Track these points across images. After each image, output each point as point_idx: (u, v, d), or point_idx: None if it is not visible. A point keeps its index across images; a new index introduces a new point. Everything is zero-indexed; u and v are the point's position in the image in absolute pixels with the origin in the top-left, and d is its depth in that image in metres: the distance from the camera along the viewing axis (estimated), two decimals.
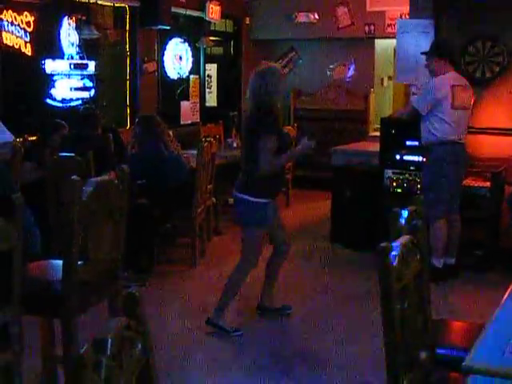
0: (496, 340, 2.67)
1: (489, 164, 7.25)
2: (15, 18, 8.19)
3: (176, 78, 11.33)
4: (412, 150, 7.41)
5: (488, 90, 7.66)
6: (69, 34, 9.04)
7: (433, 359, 3.11)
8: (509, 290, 3.25)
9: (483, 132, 7.54)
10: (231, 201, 9.72)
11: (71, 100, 9.13)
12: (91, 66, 9.41)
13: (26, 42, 8.36)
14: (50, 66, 8.75)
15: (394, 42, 8.73)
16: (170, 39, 11.07)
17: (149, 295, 6.22)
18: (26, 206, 3.74)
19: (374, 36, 11.80)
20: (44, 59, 8.67)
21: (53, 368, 4.28)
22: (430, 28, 7.86)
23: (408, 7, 8.31)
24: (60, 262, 3.86)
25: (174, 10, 10.45)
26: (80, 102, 9.24)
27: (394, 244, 2.75)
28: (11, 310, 3.44)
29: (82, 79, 9.30)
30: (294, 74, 12.87)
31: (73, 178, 3.70)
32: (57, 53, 8.90)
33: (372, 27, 11.67)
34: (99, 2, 9.36)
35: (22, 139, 7.70)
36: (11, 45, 8.17)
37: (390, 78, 12.46)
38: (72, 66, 9.09)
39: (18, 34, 8.24)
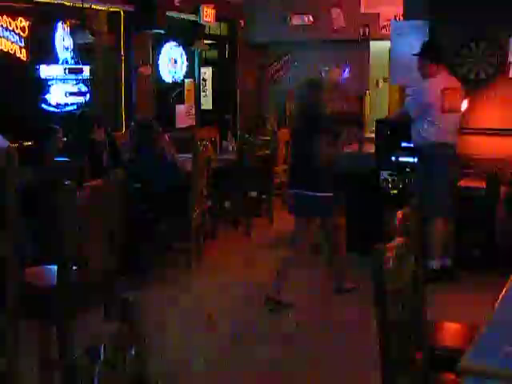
0: (492, 341, 2.67)
1: (484, 165, 7.25)
2: (10, 23, 8.19)
3: (171, 81, 11.33)
4: (407, 152, 7.42)
5: (482, 91, 7.67)
6: (63, 39, 9.03)
7: (429, 360, 3.11)
8: (505, 290, 3.25)
9: (478, 133, 7.55)
10: (227, 204, 9.80)
11: (66, 105, 9.12)
12: (86, 70, 9.41)
13: (20, 47, 8.35)
14: (45, 70, 8.74)
15: (388, 43, 8.73)
16: (165, 43, 11.07)
17: (144, 299, 6.20)
18: (21, 212, 3.73)
19: (368, 38, 11.81)
20: (39, 64, 8.66)
21: (49, 372, 4.27)
22: (424, 29, 7.86)
23: (402, 8, 8.32)
24: (55, 268, 3.85)
25: (168, 13, 10.44)
26: (75, 106, 9.24)
27: (389, 246, 2.75)
28: (6, 315, 3.43)
29: (76, 84, 9.29)
30: (289, 77, 12.87)
31: (67, 182, 3.69)
32: (51, 58, 8.89)
33: (366, 29, 11.69)
34: (94, 7, 9.35)
35: (16, 145, 7.69)
36: (6, 50, 8.16)
37: (385, 79, 12.45)
38: (67, 71, 9.08)
39: (12, 40, 8.23)
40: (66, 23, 9.04)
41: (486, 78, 7.70)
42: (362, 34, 11.76)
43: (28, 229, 4.49)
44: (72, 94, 9.21)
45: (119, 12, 9.95)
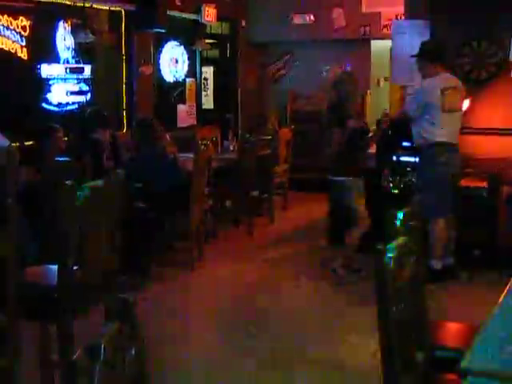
0: (493, 341, 2.66)
1: (486, 164, 7.25)
2: (11, 22, 8.18)
3: (172, 81, 11.32)
4: (408, 151, 7.42)
5: (484, 91, 7.67)
6: (64, 38, 9.02)
7: (429, 361, 3.10)
8: (506, 290, 3.25)
9: (480, 132, 7.54)
10: (228, 204, 9.80)
11: (67, 104, 9.11)
12: (87, 69, 9.40)
13: (21, 47, 8.34)
14: (46, 70, 8.73)
15: (389, 43, 8.73)
16: (166, 42, 11.06)
17: (145, 299, 6.20)
18: (22, 212, 3.73)
19: (369, 37, 11.81)
20: (40, 63, 8.65)
21: (50, 372, 4.27)
22: (425, 29, 7.86)
23: (403, 8, 8.32)
24: (56, 267, 3.84)
25: (169, 13, 10.44)
26: (76, 106, 9.23)
27: (390, 245, 2.75)
28: (6, 315, 3.43)
29: (78, 83, 9.28)
30: (290, 76, 12.88)
31: (68, 182, 3.69)
32: (53, 57, 8.88)
33: (368, 28, 11.68)
34: (95, 6, 9.34)
35: (17, 144, 7.68)
36: (7, 49, 8.15)
37: (386, 78, 12.43)
38: (68, 70, 9.08)
39: (13, 39, 8.22)
40: (67, 22, 9.03)
41: (487, 77, 7.70)
42: (363, 33, 11.75)
43: (28, 228, 4.48)
44: (73, 93, 9.20)
45: (120, 11, 9.94)
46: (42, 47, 8.75)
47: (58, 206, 3.76)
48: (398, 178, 7.41)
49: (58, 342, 3.95)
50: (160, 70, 10.98)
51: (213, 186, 8.02)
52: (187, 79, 11.68)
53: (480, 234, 7.09)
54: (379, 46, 11.94)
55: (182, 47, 11.44)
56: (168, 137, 7.71)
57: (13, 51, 8.23)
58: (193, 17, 11.27)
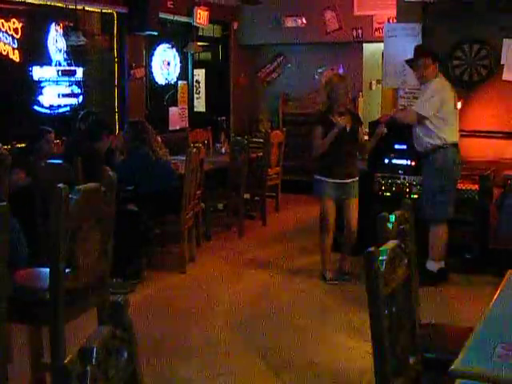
0: (484, 344, 2.67)
1: (477, 167, 7.26)
2: (3, 24, 8.17)
3: (164, 83, 11.32)
4: (401, 154, 7.43)
5: (476, 93, 7.69)
6: (56, 41, 9.02)
7: (422, 363, 3.10)
8: (497, 293, 3.26)
9: (471, 135, 7.56)
10: (220, 206, 9.80)
11: (59, 107, 9.11)
12: (79, 72, 9.40)
13: (13, 49, 8.34)
14: (38, 72, 8.73)
15: (382, 45, 8.75)
16: (158, 45, 11.07)
17: (137, 301, 6.20)
18: (13, 214, 3.72)
19: (361, 40, 11.82)
20: (32, 66, 8.65)
21: (41, 376, 4.26)
22: (417, 32, 7.88)
23: (395, 11, 8.33)
24: (47, 270, 3.84)
25: (161, 15, 10.44)
26: (68, 108, 9.23)
27: (382, 248, 2.75)
28: None
29: (69, 86, 9.28)
30: (283, 79, 12.89)
31: (59, 185, 3.68)
32: (44, 59, 8.88)
33: (360, 31, 11.69)
34: (87, 9, 9.34)
35: (9, 146, 7.68)
36: None
37: (378, 81, 12.44)
38: (60, 73, 9.08)
39: (5, 41, 8.22)
40: (59, 25, 9.03)
41: (479, 80, 7.72)
42: (355, 36, 11.76)
43: (20, 231, 4.47)
44: (65, 95, 9.20)
45: (112, 14, 9.94)
46: (34, 49, 8.76)
47: (50, 208, 3.75)
48: (390, 180, 7.43)
49: (50, 346, 3.94)
50: (152, 73, 10.99)
51: (205, 188, 8.01)
52: (179, 82, 11.68)
53: (471, 237, 7.10)
54: (371, 49, 11.97)
55: (174, 50, 11.44)
56: (159, 139, 7.70)
57: (4, 53, 8.23)
58: (185, 19, 11.27)
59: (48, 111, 8.93)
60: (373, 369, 2.69)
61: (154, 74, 11.04)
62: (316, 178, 6.93)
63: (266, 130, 11.00)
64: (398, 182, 7.41)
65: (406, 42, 7.98)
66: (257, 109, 13.13)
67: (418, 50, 6.88)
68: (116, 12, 9.94)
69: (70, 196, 3.71)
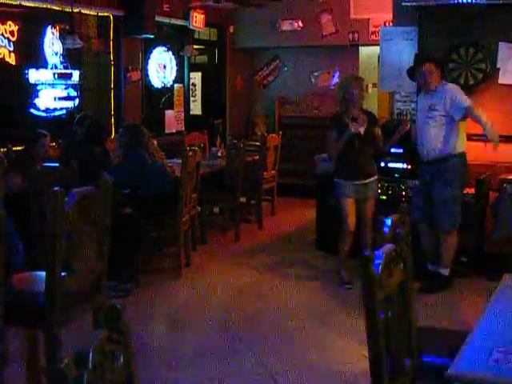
0: (480, 347, 2.67)
1: (473, 170, 7.25)
2: None
3: (160, 86, 11.32)
4: (397, 158, 7.44)
5: (471, 97, 7.66)
6: (52, 44, 9.01)
7: (418, 367, 3.10)
8: (493, 296, 3.26)
9: (467, 138, 7.55)
10: (216, 209, 9.80)
11: (55, 110, 9.10)
12: (75, 75, 9.39)
13: (9, 52, 8.32)
14: (34, 75, 8.72)
15: (378, 49, 8.75)
16: (154, 48, 11.06)
17: (134, 305, 6.19)
18: (10, 217, 3.72)
19: (358, 43, 11.83)
20: (28, 69, 8.64)
21: (37, 380, 4.25)
22: (413, 35, 7.89)
23: (391, 15, 8.34)
24: (43, 274, 3.83)
25: (157, 18, 10.43)
26: (64, 111, 9.22)
27: (378, 252, 2.75)
28: None
29: (66, 89, 9.27)
30: (279, 82, 12.90)
31: (55, 189, 3.68)
32: (40, 62, 8.87)
33: (356, 35, 11.71)
34: (83, 12, 9.33)
35: (5, 150, 7.66)
36: None
37: (374, 85, 12.45)
38: (56, 76, 9.07)
39: (1, 44, 8.20)
40: (55, 28, 9.02)
41: (475, 83, 7.71)
42: (351, 39, 11.78)
43: (16, 234, 4.47)
44: (61, 98, 9.19)
45: (108, 17, 9.94)
46: (30, 52, 8.74)
47: (46, 211, 3.75)
48: (386, 184, 7.43)
49: (46, 349, 3.93)
50: (148, 76, 10.98)
51: (201, 191, 8.00)
52: (175, 85, 11.68)
53: (467, 241, 7.10)
54: (368, 53, 11.98)
55: (170, 53, 11.45)
56: (155, 142, 7.70)
57: (0, 56, 8.22)
58: (181, 23, 11.27)
59: (44, 114, 8.92)
60: (369, 372, 2.70)
61: (150, 77, 11.04)
62: (335, 181, 6.95)
63: (263, 133, 11.02)
64: (394, 185, 7.41)
65: (402, 45, 7.99)
66: (253, 112, 13.14)
67: (428, 56, 6.88)
68: (112, 15, 9.93)
69: (66, 199, 3.71)
